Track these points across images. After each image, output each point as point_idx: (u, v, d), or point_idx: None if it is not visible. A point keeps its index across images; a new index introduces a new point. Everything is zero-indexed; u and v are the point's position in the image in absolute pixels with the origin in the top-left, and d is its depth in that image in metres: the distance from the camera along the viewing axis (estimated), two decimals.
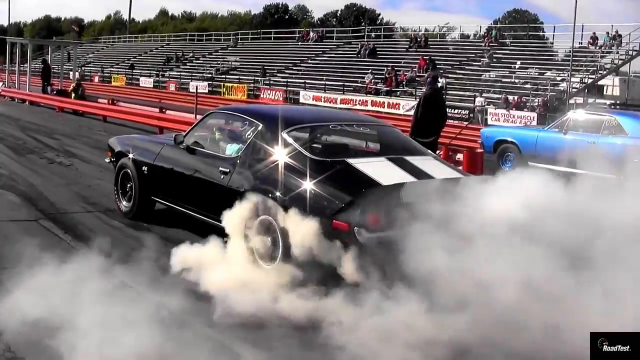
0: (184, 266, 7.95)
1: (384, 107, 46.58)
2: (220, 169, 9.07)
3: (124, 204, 11.32)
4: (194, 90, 42.07)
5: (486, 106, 41.84)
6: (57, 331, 6.13)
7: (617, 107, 41.90)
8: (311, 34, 74.93)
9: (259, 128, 9.14)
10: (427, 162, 8.96)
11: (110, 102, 36.53)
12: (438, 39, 66.42)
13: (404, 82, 51.45)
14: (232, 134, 10.10)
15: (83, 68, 78.83)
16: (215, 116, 10.87)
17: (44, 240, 9.60)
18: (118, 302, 6.69)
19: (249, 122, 9.54)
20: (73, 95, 38.15)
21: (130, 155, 11.18)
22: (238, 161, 8.98)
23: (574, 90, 44.30)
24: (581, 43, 50.47)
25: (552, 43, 57.37)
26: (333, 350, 6.11)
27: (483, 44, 56.95)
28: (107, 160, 12.34)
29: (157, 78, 72.55)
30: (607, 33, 49.08)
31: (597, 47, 49.01)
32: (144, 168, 10.76)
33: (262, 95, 56.68)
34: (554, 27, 59.06)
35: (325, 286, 7.14)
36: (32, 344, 6.11)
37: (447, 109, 19.49)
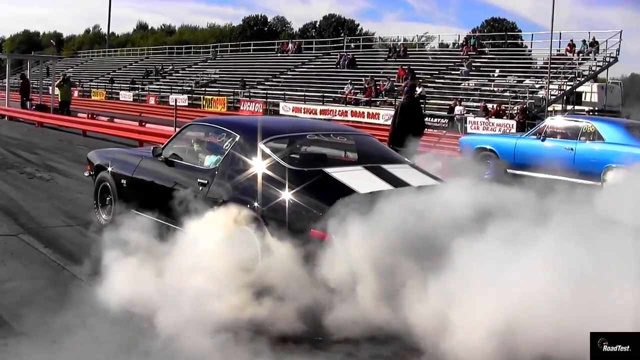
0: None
1: (363, 117, 46.60)
2: (199, 180, 9.09)
3: (104, 217, 11.36)
4: (174, 103, 42.09)
5: (465, 114, 41.98)
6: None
7: (595, 113, 42.23)
8: (290, 45, 75.01)
9: (237, 139, 9.16)
10: (403, 171, 9.05)
11: (90, 116, 36.52)
12: (417, 49, 66.50)
13: (383, 92, 51.54)
14: (210, 145, 10.10)
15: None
16: (193, 128, 10.86)
17: (24, 254, 9.67)
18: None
19: (227, 133, 9.56)
20: (58, 90, 38.33)
21: (109, 169, 11.22)
22: (216, 172, 9.00)
23: (552, 97, 44.52)
24: (559, 50, 50.70)
25: (531, 51, 57.57)
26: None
27: (462, 53, 57.13)
28: (87, 174, 12.38)
29: (137, 92, 72.47)
30: (584, 40, 49.35)
31: (575, 54, 49.25)
32: (123, 181, 10.79)
33: (242, 108, 56.49)
34: (532, 35, 59.25)
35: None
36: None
37: (427, 118, 19.61)
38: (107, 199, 11.27)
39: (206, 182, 8.99)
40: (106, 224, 11.14)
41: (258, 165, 8.61)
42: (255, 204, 8.13)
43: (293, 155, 9.53)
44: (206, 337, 6.44)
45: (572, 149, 17.86)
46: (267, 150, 8.78)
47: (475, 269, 6.23)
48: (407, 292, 6.51)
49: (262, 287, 7.29)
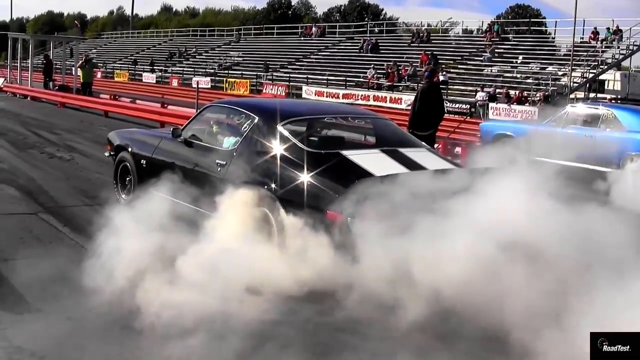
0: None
1: (386, 102, 46.57)
2: (217, 161, 9.15)
3: (124, 197, 11.42)
4: (196, 86, 42.04)
5: (487, 101, 41.89)
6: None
7: (618, 101, 42.04)
8: (314, 29, 75.01)
9: (255, 121, 9.21)
10: (420, 154, 9.07)
11: (112, 97, 36.64)
12: (440, 34, 66.40)
13: (405, 77, 51.49)
14: (229, 127, 10.16)
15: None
16: (212, 110, 10.93)
17: (42, 232, 9.77)
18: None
19: (245, 115, 9.61)
20: (81, 72, 38.43)
21: (129, 149, 11.30)
22: (234, 154, 9.05)
23: (575, 85, 44.40)
24: (582, 38, 50.58)
25: (554, 38, 57.45)
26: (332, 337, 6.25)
27: (485, 39, 57.02)
28: (107, 154, 12.45)
29: (160, 74, 72.65)
30: (608, 28, 49.24)
31: (599, 42, 49.04)
32: (143, 161, 10.87)
33: (264, 91, 56.66)
34: (556, 22, 59.28)
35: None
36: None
37: (448, 104, 19.64)
38: (127, 179, 11.34)
39: (224, 163, 9.04)
40: (126, 204, 11.25)
41: (276, 147, 8.67)
42: (273, 186, 8.19)
43: (311, 138, 9.55)
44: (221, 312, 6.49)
45: (591, 136, 17.81)
46: (286, 133, 8.82)
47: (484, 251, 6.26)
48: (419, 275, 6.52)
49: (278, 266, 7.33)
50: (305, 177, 8.03)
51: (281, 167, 8.36)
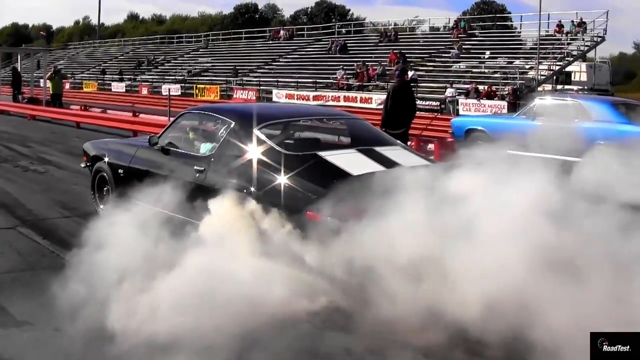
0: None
1: (356, 102, 46.80)
2: (195, 167, 9.20)
3: (102, 207, 11.45)
4: (166, 93, 42.11)
5: (457, 97, 42.18)
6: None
7: (585, 92, 42.45)
8: (282, 32, 75.16)
9: (232, 126, 9.26)
10: (396, 152, 9.17)
11: (82, 108, 36.56)
12: (408, 33, 66.67)
13: (375, 77, 51.69)
14: (206, 133, 10.22)
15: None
16: (188, 116, 10.97)
17: (23, 246, 9.82)
18: None
19: (222, 120, 9.67)
20: (50, 83, 38.30)
21: (106, 159, 11.33)
22: (212, 159, 9.11)
23: (542, 77, 44.80)
24: (548, 31, 51.01)
25: (520, 32, 57.93)
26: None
27: (452, 36, 57.36)
28: (83, 165, 12.47)
29: (129, 82, 72.50)
30: (573, 21, 49.70)
31: (564, 35, 49.49)
32: (120, 171, 10.90)
33: (234, 96, 56.62)
34: (521, 16, 59.69)
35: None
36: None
37: (418, 101, 19.81)
38: (105, 189, 11.37)
39: (203, 169, 9.09)
40: (105, 213, 11.28)
41: (253, 151, 8.71)
42: (252, 189, 8.25)
43: (287, 141, 9.67)
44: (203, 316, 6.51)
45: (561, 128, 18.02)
46: (262, 136, 8.88)
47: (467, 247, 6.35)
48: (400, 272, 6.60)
49: (260, 270, 7.39)
50: (283, 179, 8.10)
51: (259, 171, 8.42)
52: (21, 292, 7.67)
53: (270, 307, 6.73)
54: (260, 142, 8.83)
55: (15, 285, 7.95)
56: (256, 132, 8.95)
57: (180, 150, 9.96)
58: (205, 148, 9.60)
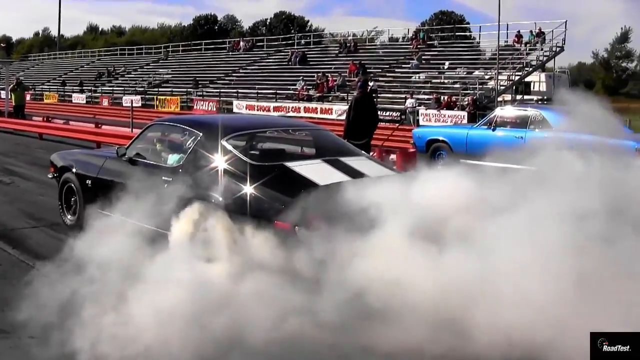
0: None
1: (316, 113, 47.06)
2: (163, 177, 9.34)
3: (69, 218, 11.59)
4: (127, 105, 42.09)
5: (417, 107, 42.50)
6: None
7: (545, 102, 42.88)
8: (241, 43, 75.25)
9: (199, 137, 9.42)
10: (361, 162, 9.39)
11: (45, 119, 36.47)
12: (367, 44, 66.91)
13: (335, 88, 51.92)
14: (173, 144, 10.35)
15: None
16: (155, 128, 11.08)
17: None
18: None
19: (189, 131, 9.83)
20: (12, 95, 38.18)
21: (74, 170, 11.45)
22: (180, 170, 9.26)
23: (501, 87, 45.15)
24: (507, 41, 51.48)
25: (479, 43, 58.38)
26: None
27: (411, 46, 57.68)
28: (50, 175, 12.53)
29: (90, 94, 72.26)
30: (531, 31, 50.19)
31: (523, 45, 49.99)
32: (88, 181, 11.02)
33: (195, 107, 56.67)
34: (480, 27, 60.05)
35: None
36: None
37: (379, 112, 20.07)
38: (72, 199, 11.49)
39: (171, 179, 9.23)
40: (72, 224, 11.41)
41: (221, 162, 8.87)
42: (220, 199, 8.40)
43: (254, 151, 9.85)
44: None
45: (522, 137, 18.36)
46: (229, 147, 9.04)
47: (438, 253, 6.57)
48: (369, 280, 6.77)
49: (228, 278, 7.52)
50: (251, 190, 8.25)
51: (227, 181, 8.59)
52: None
53: (241, 313, 6.82)
54: (227, 152, 8.98)
55: None
56: (223, 143, 9.10)
57: (148, 161, 10.10)
58: (172, 159, 9.75)
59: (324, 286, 6.87)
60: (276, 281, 7.14)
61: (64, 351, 6.27)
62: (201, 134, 9.49)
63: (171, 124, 11.18)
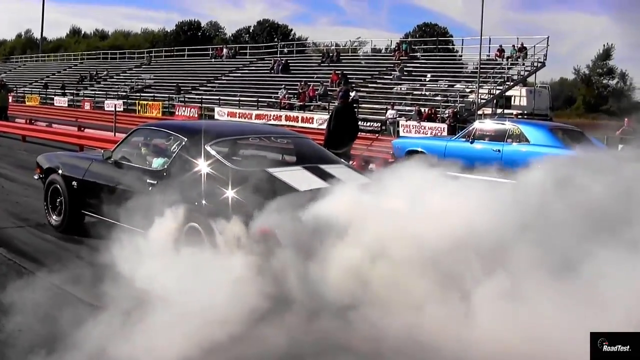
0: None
1: (297, 122, 47.32)
2: (148, 181, 9.59)
3: (54, 218, 11.78)
4: (109, 109, 42.12)
5: (397, 118, 42.84)
6: None
7: (525, 117, 43.30)
8: (224, 50, 75.42)
9: (184, 142, 9.67)
10: (339, 170, 9.69)
11: (28, 122, 36.54)
12: (350, 54, 67.21)
13: (316, 97, 52.20)
14: (158, 148, 10.60)
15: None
16: (141, 132, 11.36)
17: None
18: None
19: (174, 136, 10.09)
20: None
21: (60, 171, 11.68)
22: (165, 173, 9.52)
23: (482, 101, 45.57)
24: (489, 55, 51.91)
25: (461, 56, 58.83)
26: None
27: (394, 58, 58.02)
28: (36, 177, 12.70)
29: (72, 97, 72.29)
30: (514, 46, 50.64)
31: (504, 59, 50.41)
32: (74, 183, 11.25)
33: (177, 112, 56.85)
34: (462, 40, 60.69)
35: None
36: None
37: (360, 122, 20.33)
38: (58, 200, 11.68)
39: (155, 182, 9.50)
40: (57, 225, 11.67)
41: (204, 166, 9.13)
42: (203, 202, 8.68)
43: (237, 157, 10.18)
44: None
45: (499, 150, 18.72)
46: (213, 152, 9.31)
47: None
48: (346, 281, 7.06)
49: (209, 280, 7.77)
50: (233, 194, 8.52)
51: (210, 185, 8.86)
52: None
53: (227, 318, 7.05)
54: (211, 158, 9.25)
55: None
56: (207, 148, 9.37)
57: (133, 165, 10.34)
58: (157, 163, 10.02)
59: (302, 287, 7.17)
60: (256, 280, 7.39)
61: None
62: (186, 139, 9.74)
63: (156, 128, 11.46)
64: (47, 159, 12.58)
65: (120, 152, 10.72)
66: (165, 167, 9.70)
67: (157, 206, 8.86)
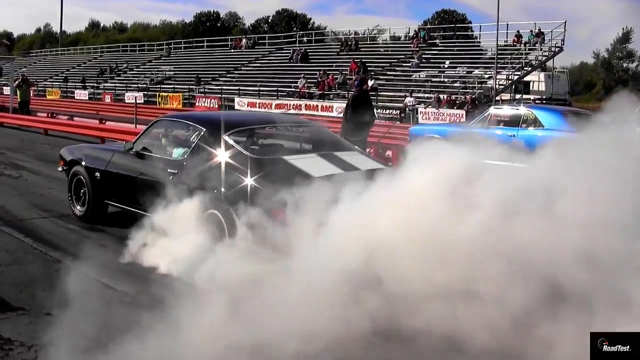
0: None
1: (317, 111, 47.52)
2: (169, 170, 9.90)
3: (79, 209, 12.08)
4: (130, 101, 42.52)
5: (417, 105, 42.96)
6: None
7: (543, 102, 43.34)
8: (243, 41, 75.57)
9: (203, 132, 10.01)
10: (354, 157, 10.02)
11: (49, 115, 36.88)
12: (368, 42, 67.21)
13: (336, 86, 52.37)
14: (178, 139, 10.91)
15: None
16: (161, 124, 11.73)
17: (7, 243, 10.47)
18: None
19: (193, 127, 10.42)
20: (18, 91, 38.55)
21: (83, 163, 12.00)
22: (185, 163, 9.83)
23: (500, 87, 45.60)
24: (507, 41, 51.90)
25: (480, 42, 58.72)
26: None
27: (412, 45, 58.11)
28: (60, 169, 13.01)
29: (92, 90, 72.70)
30: (531, 31, 50.58)
31: (522, 45, 50.42)
32: (97, 174, 11.56)
33: (197, 104, 57.22)
34: (480, 26, 60.59)
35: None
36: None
37: (379, 110, 20.54)
38: (82, 191, 11.98)
39: (176, 171, 9.81)
40: (81, 215, 12.00)
41: (223, 155, 9.47)
42: (222, 189, 8.99)
43: (255, 146, 10.47)
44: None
45: (514, 136, 18.90)
46: (231, 142, 9.65)
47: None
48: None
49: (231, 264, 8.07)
50: (251, 181, 8.84)
51: (229, 173, 9.17)
52: (12, 283, 8.37)
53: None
54: (229, 147, 9.59)
55: (6, 277, 8.64)
56: (225, 137, 9.70)
57: (154, 155, 10.68)
58: (177, 153, 10.35)
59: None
60: (272, 264, 7.65)
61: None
62: (204, 129, 10.08)
63: (176, 120, 11.88)
64: (69, 151, 12.89)
65: (142, 144, 11.03)
66: (185, 156, 10.02)
67: (178, 194, 9.20)
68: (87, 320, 6.83)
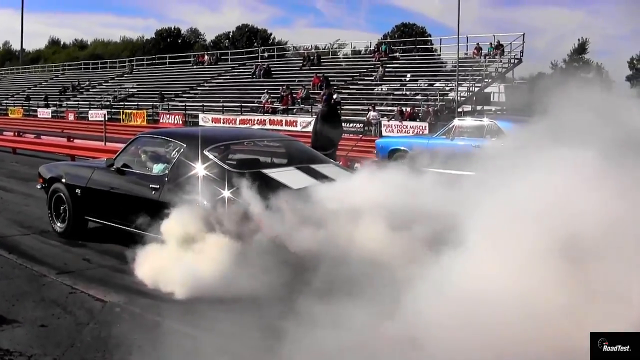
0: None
1: (281, 125, 47.65)
2: (151, 185, 10.20)
3: (59, 225, 12.30)
4: (94, 119, 42.44)
5: (380, 119, 43.27)
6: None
7: (504, 113, 43.84)
8: (206, 57, 75.60)
9: (183, 148, 10.34)
10: (329, 169, 10.44)
11: (16, 134, 36.80)
12: (330, 56, 67.57)
13: (299, 100, 52.59)
14: (159, 155, 11.20)
15: None
16: (140, 140, 11.92)
17: None
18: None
19: (173, 143, 10.76)
20: None
21: (63, 180, 12.20)
22: (166, 178, 10.13)
23: (462, 98, 46.00)
24: (467, 53, 52.34)
25: (440, 55, 59.13)
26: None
27: (374, 59, 58.47)
28: (39, 186, 13.18)
29: (55, 108, 72.36)
30: (491, 43, 51.09)
31: (482, 57, 50.97)
32: (77, 191, 11.80)
33: (161, 120, 57.17)
34: (441, 39, 60.88)
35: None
36: None
37: (344, 123, 20.89)
38: (62, 208, 12.20)
39: (158, 187, 10.10)
40: (61, 231, 12.25)
41: (204, 170, 9.78)
42: (204, 203, 9.27)
43: (234, 160, 10.81)
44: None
45: (478, 146, 19.28)
46: (211, 156, 9.98)
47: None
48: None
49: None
50: (231, 194, 9.15)
51: (210, 187, 9.46)
52: (4, 296, 8.64)
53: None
54: (209, 161, 9.91)
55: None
56: (205, 152, 10.04)
57: (135, 171, 10.98)
58: (158, 168, 10.64)
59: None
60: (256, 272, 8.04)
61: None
62: (185, 145, 10.40)
63: (155, 136, 12.13)
64: (48, 169, 13.11)
65: (122, 160, 11.30)
66: (167, 172, 10.32)
67: (160, 209, 9.49)
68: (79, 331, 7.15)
